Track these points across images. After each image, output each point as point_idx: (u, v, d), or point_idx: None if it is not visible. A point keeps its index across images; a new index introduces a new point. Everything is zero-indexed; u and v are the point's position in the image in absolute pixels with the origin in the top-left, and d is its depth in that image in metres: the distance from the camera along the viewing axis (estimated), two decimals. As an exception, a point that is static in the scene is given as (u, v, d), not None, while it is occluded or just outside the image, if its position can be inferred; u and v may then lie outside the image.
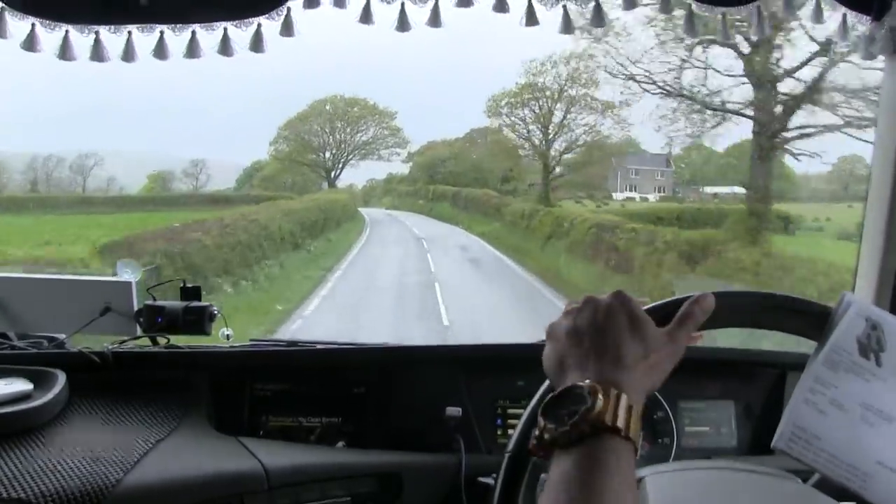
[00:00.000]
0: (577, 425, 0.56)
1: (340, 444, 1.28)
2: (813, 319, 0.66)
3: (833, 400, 0.61)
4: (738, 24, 1.40)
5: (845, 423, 0.60)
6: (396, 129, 25.35)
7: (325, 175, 24.97)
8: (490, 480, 1.13)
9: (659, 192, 22.62)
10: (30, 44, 1.24)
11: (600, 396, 0.57)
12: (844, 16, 1.23)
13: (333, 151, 25.08)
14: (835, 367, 0.62)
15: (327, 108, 24.62)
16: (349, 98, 25.11)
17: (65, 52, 1.26)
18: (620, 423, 0.56)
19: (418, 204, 25.77)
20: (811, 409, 0.61)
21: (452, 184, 24.40)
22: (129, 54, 1.29)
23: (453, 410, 1.26)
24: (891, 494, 0.59)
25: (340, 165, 25.32)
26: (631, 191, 22.61)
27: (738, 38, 10.43)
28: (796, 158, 12.63)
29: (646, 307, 0.66)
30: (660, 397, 1.35)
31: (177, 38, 1.28)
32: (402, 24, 1.37)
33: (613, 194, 22.22)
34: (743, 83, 12.12)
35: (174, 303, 1.37)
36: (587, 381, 0.59)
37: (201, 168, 25.71)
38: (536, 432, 0.59)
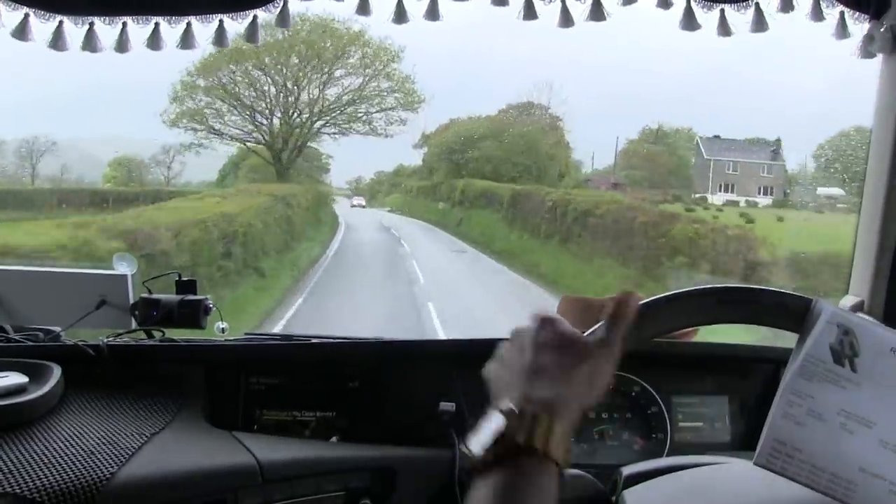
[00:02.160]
0: (491, 449, 0.57)
1: (334, 438, 1.29)
2: (770, 307, 0.67)
3: (811, 410, 0.61)
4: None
5: (825, 433, 0.60)
6: (402, 81, 14.63)
7: (271, 159, 14.48)
8: None
9: (766, 193, 16.02)
10: (21, 33, 1.23)
11: (516, 419, 0.57)
12: (842, 14, 1.23)
13: (289, 114, 14.44)
14: (810, 378, 0.62)
15: (279, 36, 12.69)
16: (317, 18, 13.81)
17: (57, 41, 1.25)
18: (538, 443, 0.56)
19: (436, 210, 17.83)
20: (789, 422, 0.61)
21: (490, 176, 16.47)
22: (122, 45, 1.29)
23: (447, 405, 1.27)
24: (876, 500, 0.59)
25: (297, 143, 14.75)
26: (727, 191, 16.00)
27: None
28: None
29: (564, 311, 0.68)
30: (653, 392, 1.36)
31: (172, 29, 1.28)
32: (400, 16, 1.37)
33: (707, 196, 15.67)
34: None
35: (169, 296, 1.37)
36: (509, 404, 0.59)
37: (174, 155, 18.44)
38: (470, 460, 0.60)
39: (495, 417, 0.59)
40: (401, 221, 18.15)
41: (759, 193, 15.90)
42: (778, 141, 15.15)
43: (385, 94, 15.16)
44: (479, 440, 0.59)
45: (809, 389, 0.62)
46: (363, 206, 21.32)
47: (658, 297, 0.72)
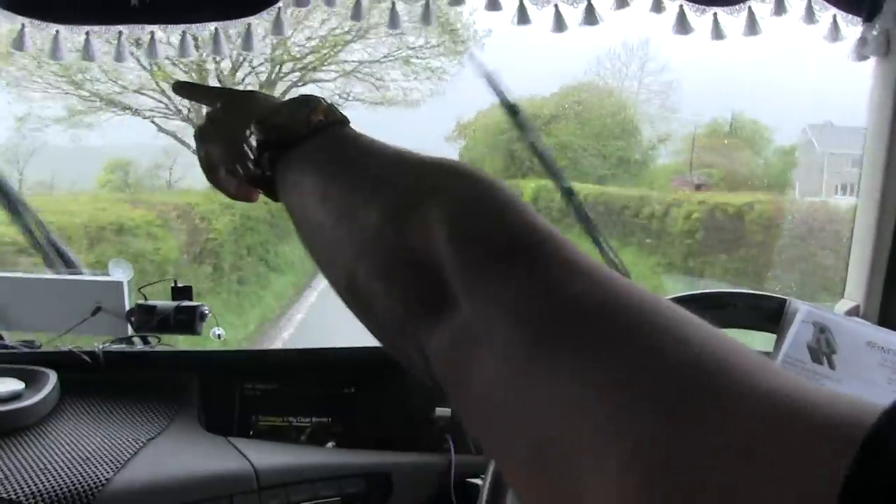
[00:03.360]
0: (309, 116, 0.48)
1: (330, 444, 1.29)
2: (745, 310, 0.68)
3: None
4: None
5: None
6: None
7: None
8: (479, 481, 1.14)
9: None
10: (19, 43, 1.24)
11: (311, 103, 0.50)
12: (835, 17, 1.23)
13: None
14: None
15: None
16: None
17: (55, 52, 1.26)
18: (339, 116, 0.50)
19: None
20: None
21: (568, 173, 9.01)
22: (120, 54, 1.30)
23: (443, 411, 1.27)
24: None
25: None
26: (846, 193, 11.50)
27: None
28: None
29: None
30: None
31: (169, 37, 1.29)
32: (393, 22, 1.37)
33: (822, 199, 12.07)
34: None
35: (165, 302, 1.37)
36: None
37: (176, 158, 16.70)
38: (250, 160, 0.51)
39: (287, 108, 0.51)
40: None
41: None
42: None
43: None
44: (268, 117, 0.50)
45: None
46: None
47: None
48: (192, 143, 0.67)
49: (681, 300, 0.70)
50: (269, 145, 0.50)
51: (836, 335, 0.63)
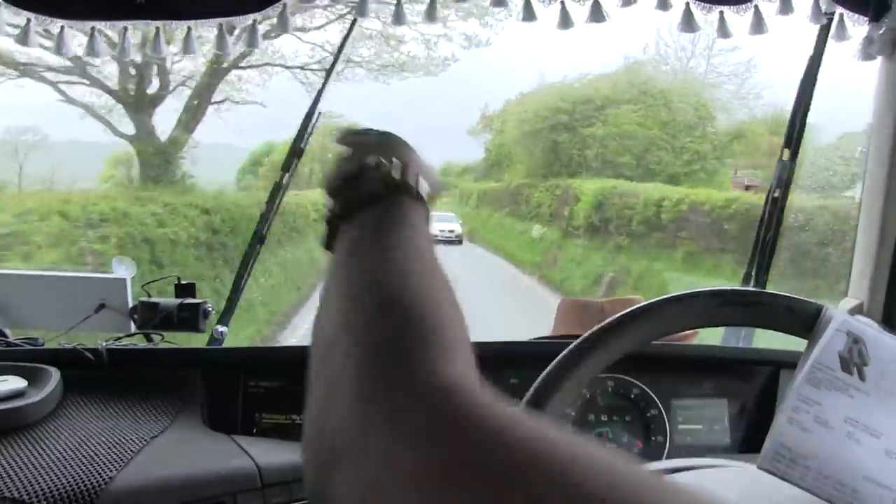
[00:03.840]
0: (365, 185, 0.52)
1: (334, 441, 1.29)
2: (778, 311, 0.67)
3: (817, 417, 0.61)
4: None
5: (831, 440, 0.60)
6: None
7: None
8: None
9: None
10: (24, 39, 1.24)
11: (384, 162, 0.53)
12: (841, 16, 1.23)
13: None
14: (818, 385, 0.62)
15: None
16: None
17: (60, 47, 1.26)
18: (396, 175, 0.52)
19: (524, 236, 9.71)
20: (795, 428, 0.61)
21: (628, 172, 9.08)
22: (125, 51, 1.29)
23: None
24: None
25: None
26: None
27: None
28: None
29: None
30: (653, 395, 1.35)
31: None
32: (398, 17, 1.37)
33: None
34: None
35: (169, 300, 1.37)
36: (364, 160, 0.55)
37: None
38: (327, 214, 0.54)
39: (361, 170, 0.54)
40: (472, 260, 9.62)
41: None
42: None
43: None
44: (337, 187, 0.54)
45: (817, 396, 0.62)
46: None
47: (661, 298, 0.72)
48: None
49: (712, 294, 0.70)
50: (330, 214, 0.53)
51: (870, 347, 0.63)
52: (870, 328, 0.64)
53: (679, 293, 0.72)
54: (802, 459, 0.60)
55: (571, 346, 0.69)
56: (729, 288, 0.72)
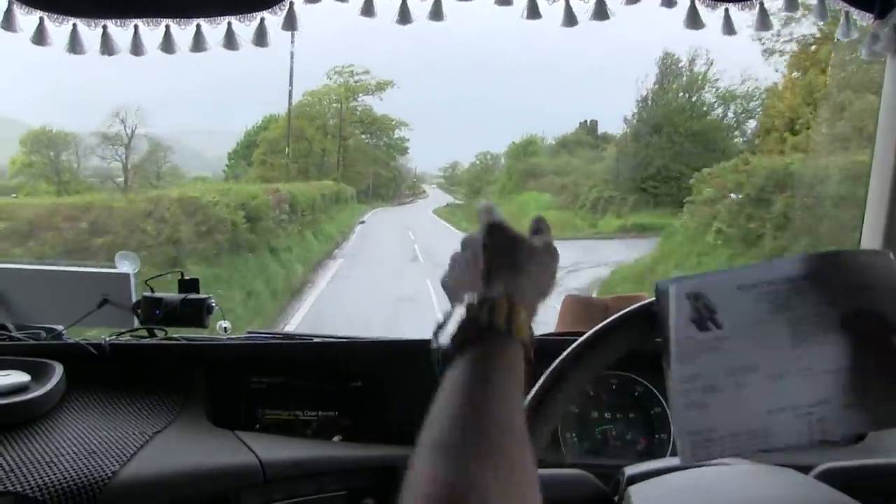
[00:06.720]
0: (458, 334, 0.59)
1: (337, 438, 1.29)
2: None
3: (705, 387, 0.60)
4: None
5: (726, 400, 0.59)
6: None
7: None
8: None
9: None
10: (39, 38, 1.24)
11: (477, 307, 0.59)
12: (847, 14, 1.22)
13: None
14: (689, 357, 0.61)
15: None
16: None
17: (74, 45, 1.26)
18: (500, 321, 0.58)
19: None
20: (692, 410, 0.60)
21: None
22: (137, 48, 1.29)
23: None
24: (792, 431, 0.58)
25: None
26: None
27: None
28: None
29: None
30: (656, 392, 1.35)
31: (183, 31, 1.28)
32: (404, 16, 1.37)
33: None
34: None
35: (172, 295, 1.37)
36: (470, 299, 0.61)
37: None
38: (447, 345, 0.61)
39: (458, 311, 0.61)
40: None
41: None
42: None
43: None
44: (446, 332, 0.61)
45: (694, 369, 0.61)
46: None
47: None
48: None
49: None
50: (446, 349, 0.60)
51: (710, 294, 0.62)
52: (697, 278, 0.62)
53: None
54: (713, 433, 0.59)
55: (574, 344, 0.68)
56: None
